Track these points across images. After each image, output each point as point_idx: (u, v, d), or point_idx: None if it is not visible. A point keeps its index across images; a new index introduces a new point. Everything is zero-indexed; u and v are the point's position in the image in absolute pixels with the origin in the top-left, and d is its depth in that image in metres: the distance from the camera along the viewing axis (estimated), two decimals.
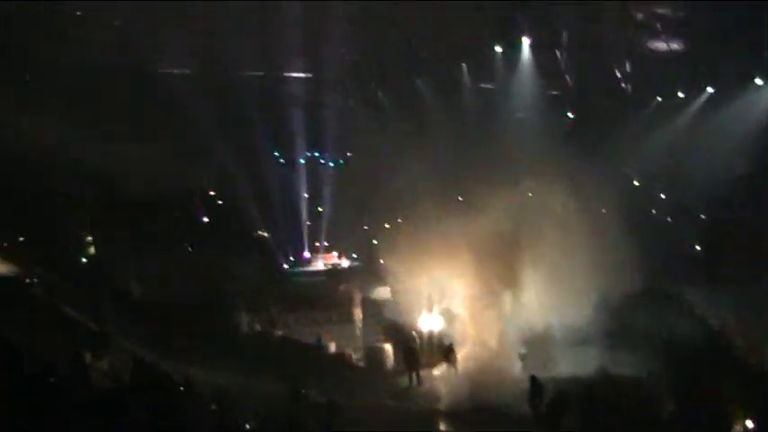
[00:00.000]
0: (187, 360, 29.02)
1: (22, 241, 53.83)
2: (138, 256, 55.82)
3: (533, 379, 28.00)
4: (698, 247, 44.43)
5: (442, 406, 29.70)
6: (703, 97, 50.54)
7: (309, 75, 54.15)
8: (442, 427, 28.06)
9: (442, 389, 31.55)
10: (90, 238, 61.05)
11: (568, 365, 32.00)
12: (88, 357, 20.74)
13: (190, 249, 62.30)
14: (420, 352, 34.70)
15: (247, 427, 20.36)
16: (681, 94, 51.13)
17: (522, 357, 32.95)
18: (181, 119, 53.19)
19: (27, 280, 43.19)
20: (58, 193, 55.65)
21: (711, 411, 24.04)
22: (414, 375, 33.57)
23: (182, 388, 20.48)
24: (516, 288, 34.34)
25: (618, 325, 34.80)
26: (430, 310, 37.12)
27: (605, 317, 34.46)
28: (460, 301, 36.35)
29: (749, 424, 22.36)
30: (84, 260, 57.57)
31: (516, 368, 31.43)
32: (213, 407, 20.37)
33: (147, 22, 43.26)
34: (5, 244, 51.62)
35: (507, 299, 34.40)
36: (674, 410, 24.38)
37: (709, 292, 41.49)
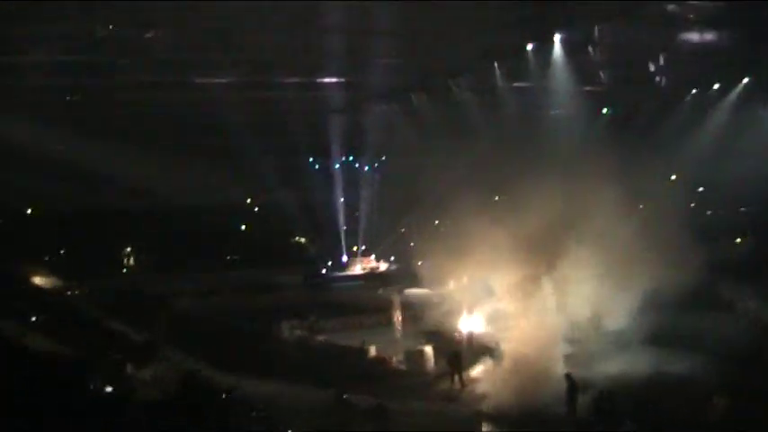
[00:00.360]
0: (230, 369, 29.09)
1: (67, 254, 54.60)
2: (181, 266, 56.46)
3: (568, 377, 27.77)
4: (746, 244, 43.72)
5: (486, 407, 29.48)
6: (739, 88, 50.03)
7: (343, 80, 54.12)
8: (486, 428, 27.92)
9: (487, 390, 31.28)
10: (133, 252, 61.86)
11: (616, 365, 31.66)
12: (133, 368, 20.91)
13: (229, 258, 62.94)
14: (462, 353, 34.41)
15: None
16: (717, 86, 50.67)
17: (568, 357, 32.60)
18: (217, 129, 53.58)
19: (71, 292, 43.70)
20: (102, 208, 56.47)
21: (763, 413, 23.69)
22: (457, 377, 33.38)
23: (225, 396, 20.56)
24: (560, 288, 33.99)
25: (666, 324, 34.39)
26: (470, 311, 36.89)
27: (653, 316, 34.10)
28: (502, 301, 36.05)
29: None
30: (128, 273, 58.34)
31: (561, 368, 31.09)
32: (258, 414, 20.44)
33: (180, 33, 43.32)
34: (50, 257, 52.38)
35: (550, 299, 34.04)
36: (723, 412, 23.99)
37: (762, 289, 40.96)
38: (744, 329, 36.85)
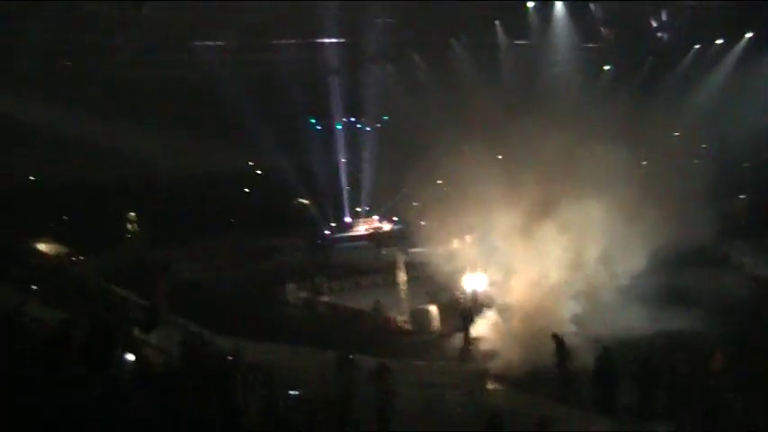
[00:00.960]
0: (233, 333, 29.15)
1: (69, 222, 54.70)
2: (182, 233, 56.48)
3: (555, 337, 27.60)
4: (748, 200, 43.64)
5: (491, 365, 29.54)
6: (742, 43, 49.71)
7: (343, 40, 53.83)
8: (491, 386, 27.98)
9: (492, 348, 31.35)
10: (133, 220, 61.86)
11: (617, 322, 31.70)
12: (138, 332, 20.95)
13: (231, 223, 62.93)
14: (467, 312, 34.45)
15: (294, 393, 20.41)
16: (720, 41, 50.35)
17: (572, 314, 32.65)
18: (216, 91, 53.39)
19: (75, 258, 43.78)
20: (101, 175, 56.46)
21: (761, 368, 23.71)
22: (462, 335, 33.45)
23: (230, 358, 20.56)
24: (563, 246, 33.90)
25: (668, 280, 34.41)
26: (474, 269, 36.86)
27: (655, 272, 34.09)
28: (505, 260, 35.96)
29: None
30: (129, 239, 58.39)
31: (566, 326, 31.14)
32: (262, 377, 20.45)
33: None
34: (53, 225, 52.44)
35: (553, 257, 33.98)
36: (722, 368, 24.01)
37: (758, 243, 41.03)
38: (743, 285, 36.98)
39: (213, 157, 60.88)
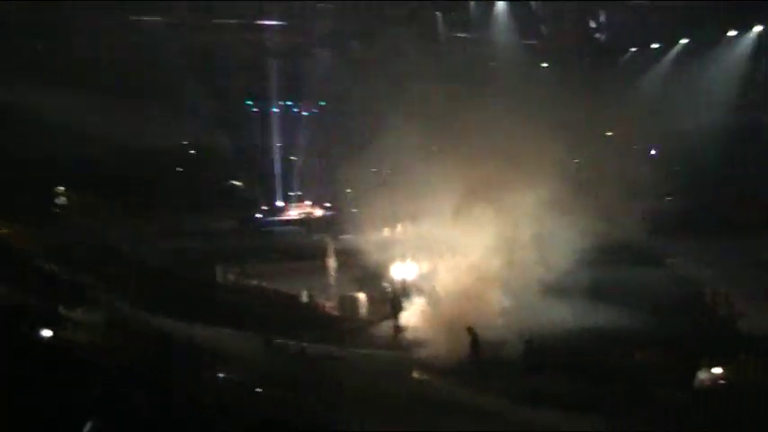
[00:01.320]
0: (159, 313, 28.90)
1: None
2: (111, 209, 55.66)
3: (470, 331, 27.78)
4: (673, 200, 44.52)
5: (417, 354, 29.69)
6: (677, 48, 50.67)
7: (283, 23, 53.55)
8: (417, 374, 28.13)
9: (419, 337, 31.50)
10: (64, 194, 60.78)
11: (547, 317, 32.07)
12: (63, 309, 20.63)
13: (163, 199, 62.17)
14: (397, 300, 34.58)
15: (221, 375, 20.35)
16: (655, 45, 51.28)
17: (502, 309, 32.97)
18: (152, 68, 52.75)
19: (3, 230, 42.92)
20: (28, 152, 55.34)
21: (683, 361, 24.30)
22: (392, 324, 33.57)
23: (154, 339, 20.44)
24: (494, 238, 34.24)
25: (595, 278, 34.92)
26: (404, 258, 37.04)
27: (583, 270, 34.53)
28: (437, 249, 36.16)
29: (718, 371, 22.67)
30: (57, 216, 57.38)
31: (494, 319, 31.48)
32: (186, 358, 20.35)
33: None
34: None
35: (485, 249, 34.31)
36: (646, 361, 24.56)
37: (685, 244, 41.93)
38: (668, 284, 37.79)
39: (145, 135, 60.07)
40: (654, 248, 43.29)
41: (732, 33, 48.53)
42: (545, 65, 52.24)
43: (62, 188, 59.22)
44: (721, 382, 22.49)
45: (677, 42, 50.78)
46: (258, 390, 20.28)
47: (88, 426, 6.05)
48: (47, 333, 13.14)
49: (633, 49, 52.23)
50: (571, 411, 23.12)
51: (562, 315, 32.27)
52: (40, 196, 57.82)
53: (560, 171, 34.66)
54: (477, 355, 27.13)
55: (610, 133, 43.99)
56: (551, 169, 34.35)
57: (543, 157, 34.31)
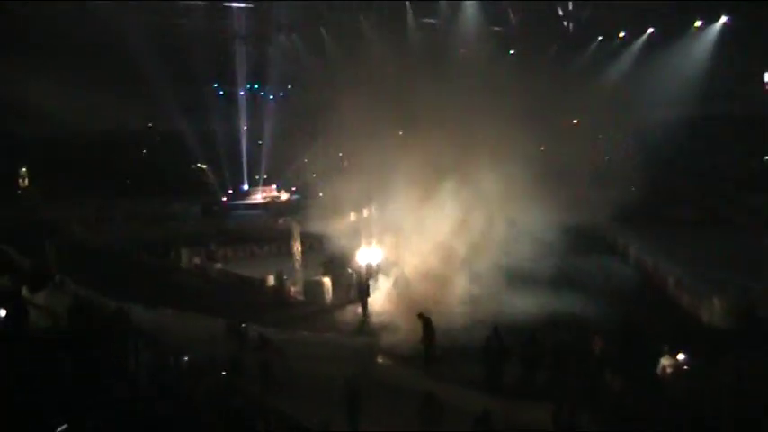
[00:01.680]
0: (123, 296, 28.75)
1: None
2: (76, 192, 55.27)
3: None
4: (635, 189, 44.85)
5: (382, 340, 29.73)
6: (644, 38, 51.02)
7: (251, 6, 53.27)
8: (381, 360, 28.19)
9: (384, 323, 31.52)
10: (25, 177, 60.29)
11: (507, 304, 32.23)
12: (26, 293, 20.48)
13: (126, 185, 61.93)
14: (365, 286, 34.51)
15: (185, 359, 20.32)
16: (621, 35, 51.60)
17: (465, 295, 33.07)
18: (119, 50, 52.35)
19: None
20: None
21: (641, 349, 24.53)
22: (356, 309, 33.57)
23: (115, 322, 20.36)
24: (458, 225, 34.37)
25: (558, 266, 35.12)
26: (369, 243, 37.06)
27: (547, 258, 34.72)
28: (401, 235, 36.22)
29: (679, 357, 22.90)
30: (18, 199, 56.96)
31: (456, 305, 31.62)
32: (148, 340, 20.27)
33: None
34: None
35: (448, 235, 34.45)
36: (605, 349, 24.75)
37: (643, 232, 42.37)
38: (627, 272, 38.20)
39: (111, 117, 59.68)
40: (616, 237, 43.77)
41: (698, 24, 48.92)
42: (512, 52, 52.41)
43: (24, 170, 58.85)
44: (684, 368, 22.70)
45: (644, 32, 51.12)
46: (221, 374, 20.25)
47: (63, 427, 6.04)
48: (5, 314, 13.07)
49: (600, 38, 52.48)
50: (526, 398, 23.40)
51: (522, 302, 32.45)
52: (4, 178, 57.40)
53: (525, 158, 34.77)
54: (431, 341, 27.08)
55: (575, 121, 44.22)
56: (516, 156, 34.46)
57: (508, 144, 34.43)
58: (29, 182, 61.03)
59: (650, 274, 38.04)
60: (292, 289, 37.46)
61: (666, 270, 36.71)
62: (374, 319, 32.40)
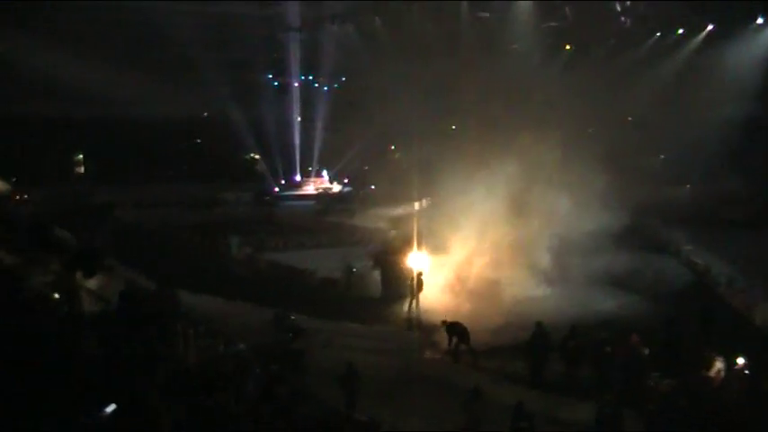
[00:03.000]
0: (174, 283, 29.01)
1: (10, 160, 53.87)
2: (130, 177, 55.96)
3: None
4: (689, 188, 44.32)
5: (429, 336, 29.59)
6: (703, 34, 50.17)
7: None
8: (428, 355, 28.10)
9: (432, 319, 31.30)
10: (80, 161, 61.11)
11: (555, 303, 31.99)
12: (80, 278, 20.67)
13: (180, 171, 62.54)
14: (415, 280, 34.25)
15: (240, 347, 20.48)
16: (681, 31, 50.76)
17: (514, 295, 32.82)
18: (176, 40, 52.82)
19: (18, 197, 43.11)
20: (50, 114, 55.58)
21: (691, 351, 24.20)
22: (406, 303, 33.34)
23: (168, 309, 20.50)
24: (511, 222, 34.07)
25: (607, 264, 34.75)
26: (420, 237, 36.81)
27: (597, 257, 34.32)
28: (452, 230, 35.88)
29: (739, 361, 22.54)
30: (73, 182, 57.76)
31: (506, 305, 31.39)
32: (201, 329, 20.44)
33: None
34: None
35: (501, 233, 34.16)
36: (653, 349, 24.47)
37: (695, 232, 41.80)
38: (679, 272, 37.72)
39: (167, 105, 60.29)
40: (668, 236, 43.22)
41: (759, 21, 47.93)
42: (568, 47, 51.88)
43: (81, 156, 59.65)
44: (744, 372, 22.33)
45: (703, 28, 50.26)
46: (269, 365, 20.35)
47: (109, 408, 6.11)
48: (57, 298, 13.21)
49: (658, 35, 51.71)
50: (569, 396, 23.28)
51: (572, 299, 32.23)
52: (58, 161, 58.22)
53: (577, 156, 34.41)
54: (465, 344, 26.96)
55: (629, 119, 43.72)
56: (567, 153, 34.13)
57: (561, 140, 34.12)
58: (84, 167, 61.91)
59: (702, 274, 37.53)
60: (340, 280, 37.46)
61: (718, 271, 36.23)
62: (423, 314, 32.17)
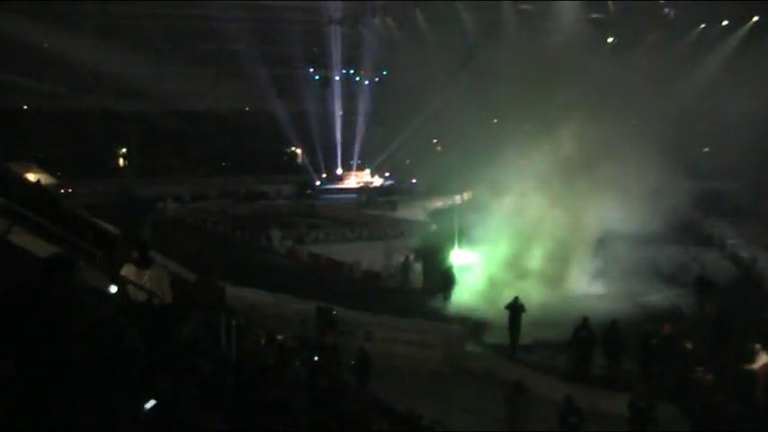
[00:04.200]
0: (218, 273, 29.19)
1: (57, 153, 54.63)
2: (172, 170, 56.45)
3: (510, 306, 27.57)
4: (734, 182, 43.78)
5: (470, 328, 29.48)
6: (747, 26, 49.54)
7: None
8: (469, 347, 28.01)
9: (473, 311, 31.17)
10: (123, 153, 61.78)
11: (598, 295, 31.81)
12: (129, 270, 20.88)
13: (223, 165, 62.97)
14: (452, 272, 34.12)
15: (279, 338, 20.56)
16: (725, 23, 50.14)
17: (563, 287, 32.63)
18: (217, 34, 53.23)
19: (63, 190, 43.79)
20: (93, 107, 56.26)
21: (738, 345, 23.89)
22: (445, 295, 33.20)
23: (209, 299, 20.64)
24: (555, 214, 33.76)
25: (653, 257, 34.45)
26: (463, 232, 36.64)
27: (642, 249, 33.97)
28: (494, 223, 35.60)
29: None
30: (117, 174, 58.46)
31: (551, 297, 31.13)
32: (243, 320, 20.56)
33: None
34: (43, 155, 52.31)
35: (544, 225, 33.82)
36: (700, 344, 24.22)
37: (740, 226, 41.33)
38: (723, 266, 37.27)
39: (209, 99, 60.80)
40: (712, 229, 42.77)
41: None
42: (611, 39, 51.44)
43: (124, 150, 60.28)
44: None
45: (749, 20, 49.60)
46: (310, 355, 20.44)
47: (149, 404, 6.14)
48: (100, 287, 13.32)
49: (702, 26, 51.12)
50: (609, 389, 23.16)
51: (616, 292, 32.01)
52: (103, 154, 58.93)
53: (620, 148, 34.03)
54: (517, 328, 26.96)
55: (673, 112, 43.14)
56: (610, 146, 33.75)
57: (604, 133, 33.77)
58: (127, 160, 62.57)
59: (747, 267, 37.09)
60: (382, 273, 37.50)
61: (764, 264, 35.79)
62: (461, 308, 32.02)
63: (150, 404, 6.26)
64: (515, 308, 27.27)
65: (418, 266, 36.56)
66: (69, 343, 5.41)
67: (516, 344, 27.01)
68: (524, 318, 27.19)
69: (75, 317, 5.65)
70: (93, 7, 51.62)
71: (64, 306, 5.58)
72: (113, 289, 12.96)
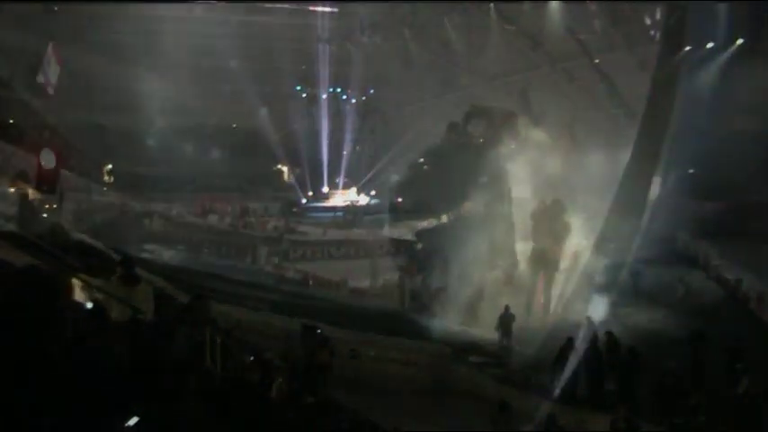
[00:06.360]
0: (205, 293, 29.13)
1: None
2: (158, 188, 56.35)
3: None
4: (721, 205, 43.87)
5: (460, 346, 29.51)
6: (733, 49, 49.78)
7: (335, 10, 53.54)
8: (453, 366, 28.02)
9: (464, 329, 31.25)
10: (110, 169, 61.65)
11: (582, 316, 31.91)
12: (115, 286, 20.84)
13: (210, 180, 62.93)
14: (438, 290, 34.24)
15: (267, 357, 20.55)
16: (710, 44, 50.38)
17: (543, 307, 32.74)
18: (205, 51, 53.29)
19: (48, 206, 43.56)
20: (83, 123, 56.19)
21: (723, 367, 23.94)
22: (432, 314, 33.23)
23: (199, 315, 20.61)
24: (535, 231, 33.96)
25: (634, 278, 34.57)
26: (448, 248, 36.75)
27: (621, 269, 34.10)
28: (479, 242, 35.75)
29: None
30: (104, 190, 58.30)
31: (535, 316, 31.25)
32: (228, 338, 20.53)
33: None
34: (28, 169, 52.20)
35: (528, 245, 34.04)
36: (684, 365, 24.27)
37: (726, 247, 41.44)
38: (708, 287, 37.37)
39: (195, 116, 60.80)
40: (697, 250, 42.92)
41: None
42: (597, 61, 51.65)
43: (110, 166, 60.16)
44: None
45: (734, 42, 49.82)
46: (294, 372, 20.42)
47: (131, 420, 6.11)
48: (90, 306, 13.35)
49: (687, 48, 51.38)
50: (594, 409, 23.19)
51: (599, 313, 32.08)
52: (91, 171, 58.78)
53: (604, 167, 34.25)
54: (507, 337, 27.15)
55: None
56: (595, 166, 33.96)
57: (588, 153, 33.99)
58: (112, 177, 62.44)
59: (733, 289, 37.17)
60: (369, 291, 37.54)
61: (749, 286, 35.87)
62: (449, 325, 32.09)
63: (133, 421, 6.25)
64: (507, 318, 27.48)
65: (408, 285, 36.63)
66: (49, 359, 5.40)
67: (509, 348, 27.12)
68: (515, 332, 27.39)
69: (56, 332, 5.65)
70: (80, 21, 51.66)
71: (44, 321, 5.57)
72: (89, 305, 12.99)
